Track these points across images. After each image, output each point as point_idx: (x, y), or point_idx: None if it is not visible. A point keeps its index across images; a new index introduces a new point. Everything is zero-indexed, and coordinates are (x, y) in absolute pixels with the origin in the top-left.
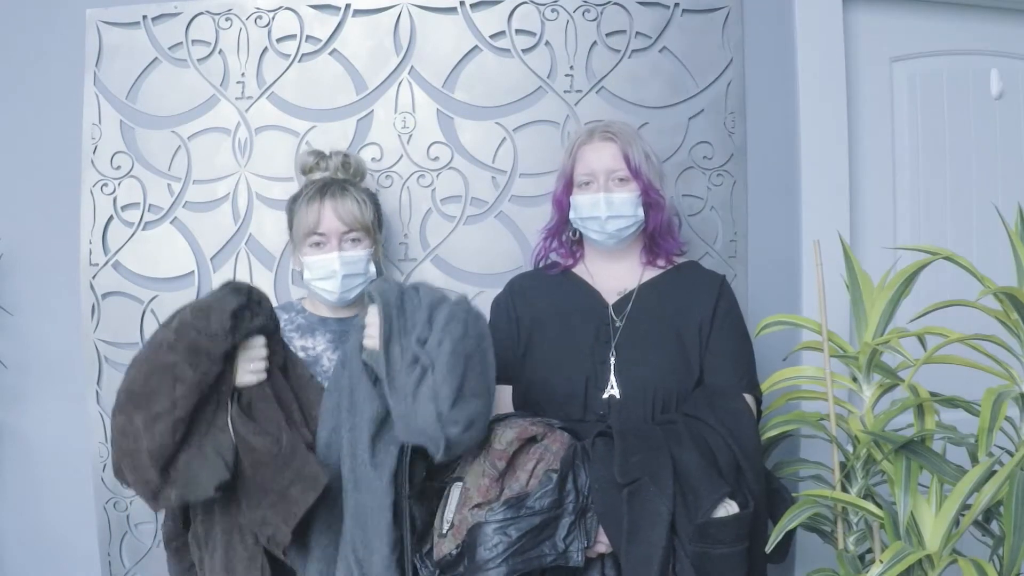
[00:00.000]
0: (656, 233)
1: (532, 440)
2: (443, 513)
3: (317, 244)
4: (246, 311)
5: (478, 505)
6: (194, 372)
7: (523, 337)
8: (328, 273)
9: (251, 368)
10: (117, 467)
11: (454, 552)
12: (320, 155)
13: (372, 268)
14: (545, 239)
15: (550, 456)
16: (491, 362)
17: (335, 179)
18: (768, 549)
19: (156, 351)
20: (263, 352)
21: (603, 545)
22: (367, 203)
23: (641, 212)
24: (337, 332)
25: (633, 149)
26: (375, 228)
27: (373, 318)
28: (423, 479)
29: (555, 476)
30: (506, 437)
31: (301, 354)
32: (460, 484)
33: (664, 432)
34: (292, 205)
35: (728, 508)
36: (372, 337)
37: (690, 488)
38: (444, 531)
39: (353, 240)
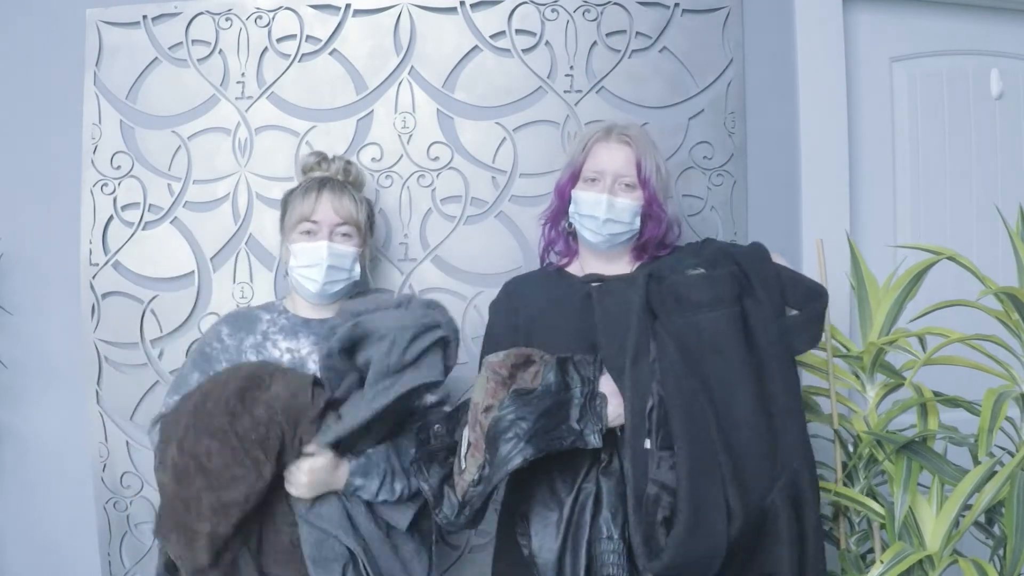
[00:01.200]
0: (649, 243)
1: (529, 362)
2: (459, 455)
3: (308, 232)
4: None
5: (488, 408)
6: (273, 471)
7: (522, 334)
8: (315, 260)
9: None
10: (162, 530)
11: (476, 478)
12: (323, 156)
13: (357, 268)
14: (545, 224)
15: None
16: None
17: (335, 179)
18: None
19: (242, 437)
20: None
21: (612, 412)
22: (363, 204)
23: (638, 223)
24: (321, 334)
25: (647, 158)
26: (366, 230)
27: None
28: None
29: (553, 359)
30: (500, 354)
31: (287, 356)
32: (468, 413)
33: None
34: (288, 196)
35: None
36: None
37: (663, 281)
38: (463, 464)
39: (344, 235)
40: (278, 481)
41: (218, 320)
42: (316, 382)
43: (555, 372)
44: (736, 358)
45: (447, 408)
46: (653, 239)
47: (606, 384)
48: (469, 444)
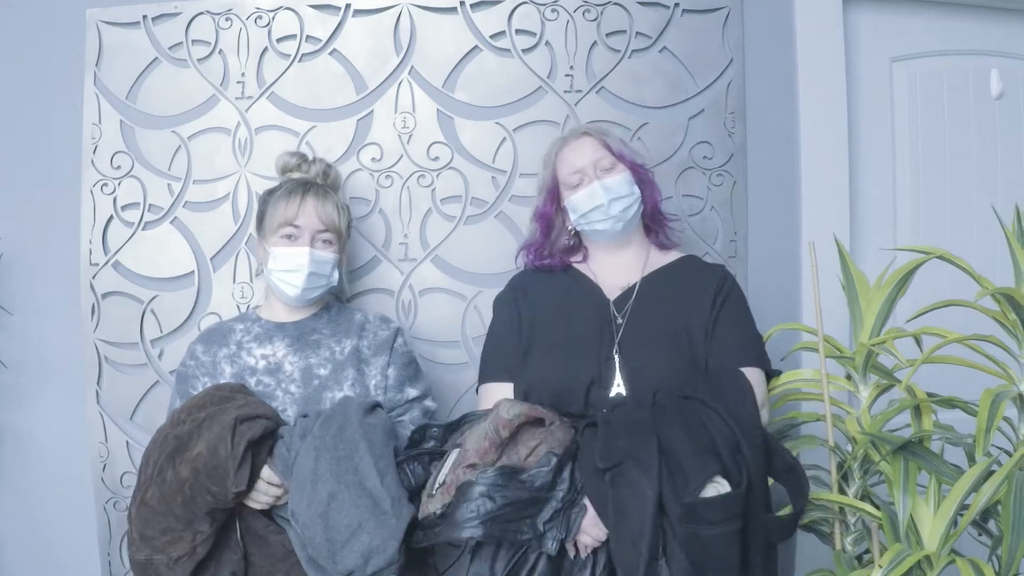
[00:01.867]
0: (655, 211)
1: (539, 423)
2: (437, 474)
3: (289, 236)
4: (254, 453)
5: (472, 465)
6: (211, 525)
7: (525, 336)
8: (296, 266)
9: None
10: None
11: (438, 512)
12: (303, 157)
13: (336, 275)
14: (526, 253)
15: (554, 441)
16: (367, 472)
17: (316, 183)
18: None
19: (169, 500)
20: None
21: (589, 537)
22: (344, 211)
23: (637, 190)
24: (295, 336)
25: (609, 137)
26: (345, 237)
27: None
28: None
29: (555, 458)
30: (515, 410)
31: (262, 362)
32: (459, 448)
33: (652, 415)
34: (267, 197)
35: (719, 488)
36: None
37: (679, 469)
38: (433, 491)
39: (325, 241)
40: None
41: (194, 339)
42: (241, 420)
43: (551, 472)
44: (731, 569)
45: (429, 402)
46: (656, 206)
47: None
48: (444, 483)
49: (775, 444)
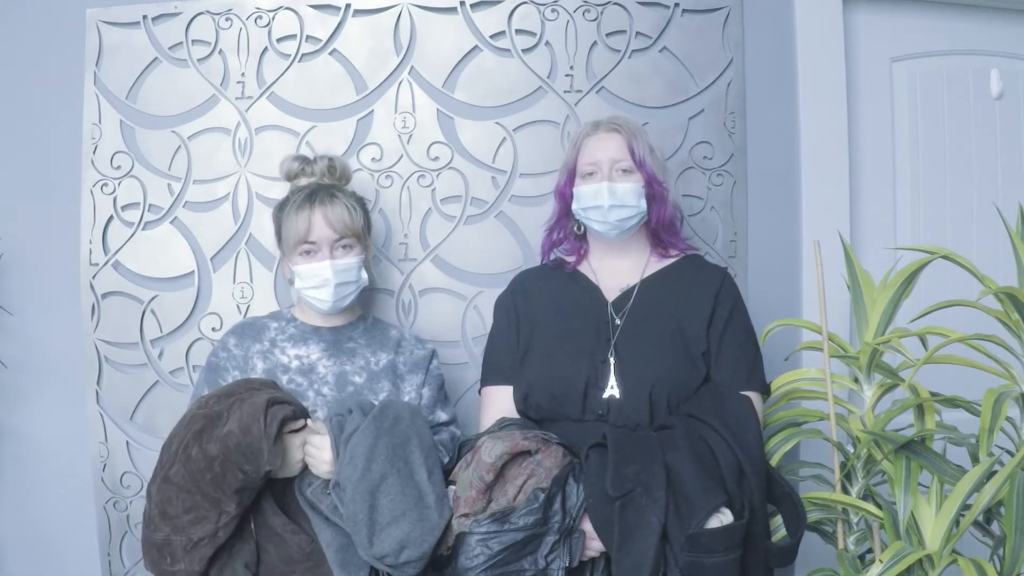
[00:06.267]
0: (660, 228)
1: (526, 453)
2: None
3: (308, 252)
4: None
5: (465, 515)
6: (238, 506)
7: (523, 337)
8: (321, 282)
9: (300, 458)
10: (145, 564)
11: (445, 553)
12: (305, 160)
13: (364, 275)
14: (547, 232)
15: (542, 472)
16: (416, 465)
17: (322, 185)
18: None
19: (196, 477)
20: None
21: (592, 551)
22: (357, 209)
23: (644, 204)
24: (331, 341)
25: (638, 141)
26: (365, 234)
27: (323, 449)
28: None
29: (543, 495)
30: (496, 450)
31: (295, 363)
32: (452, 489)
33: (660, 439)
34: (279, 213)
35: (722, 518)
36: (319, 465)
37: (684, 498)
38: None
39: (344, 247)
40: (277, 493)
41: (226, 332)
42: (273, 402)
43: (541, 508)
44: None
45: (455, 428)
46: (663, 221)
47: (589, 523)
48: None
49: (774, 472)
